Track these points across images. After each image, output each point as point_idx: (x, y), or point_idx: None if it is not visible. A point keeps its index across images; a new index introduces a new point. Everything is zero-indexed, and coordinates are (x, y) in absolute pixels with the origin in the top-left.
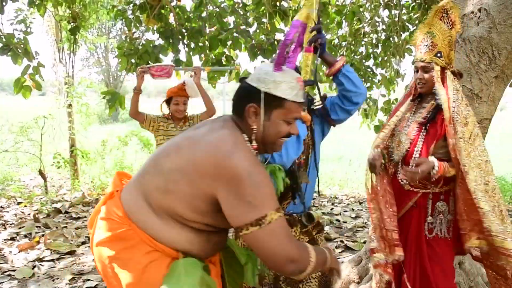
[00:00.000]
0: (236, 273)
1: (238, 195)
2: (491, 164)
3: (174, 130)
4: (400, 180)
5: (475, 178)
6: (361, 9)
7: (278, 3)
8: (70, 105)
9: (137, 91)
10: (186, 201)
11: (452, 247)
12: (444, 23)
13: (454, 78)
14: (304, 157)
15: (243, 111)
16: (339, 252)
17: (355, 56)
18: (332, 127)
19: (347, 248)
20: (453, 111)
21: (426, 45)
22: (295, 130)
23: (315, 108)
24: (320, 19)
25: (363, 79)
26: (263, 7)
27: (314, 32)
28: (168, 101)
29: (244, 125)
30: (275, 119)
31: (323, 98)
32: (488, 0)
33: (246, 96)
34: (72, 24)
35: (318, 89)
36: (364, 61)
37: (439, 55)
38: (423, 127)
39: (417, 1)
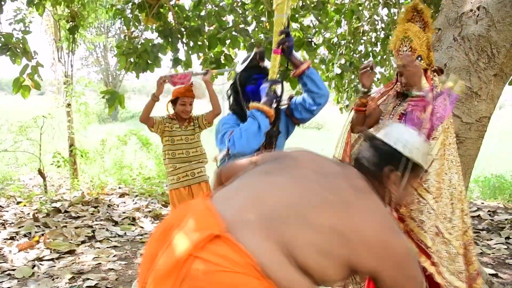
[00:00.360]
0: None
1: (405, 276)
2: (454, 163)
3: (178, 131)
4: None
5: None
6: (360, 8)
7: None
8: (69, 105)
9: (155, 98)
10: (341, 266)
11: None
12: (416, 23)
13: (434, 75)
14: (266, 150)
15: (381, 173)
16: None
17: (354, 55)
18: (296, 126)
19: None
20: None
21: (405, 51)
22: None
23: (281, 107)
24: (289, 23)
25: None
26: (262, 6)
27: (283, 35)
28: (174, 101)
29: (378, 187)
30: (408, 188)
31: (289, 98)
32: None
33: (387, 158)
34: (71, 23)
35: (282, 88)
36: (363, 59)
37: (419, 59)
38: (403, 117)
39: None
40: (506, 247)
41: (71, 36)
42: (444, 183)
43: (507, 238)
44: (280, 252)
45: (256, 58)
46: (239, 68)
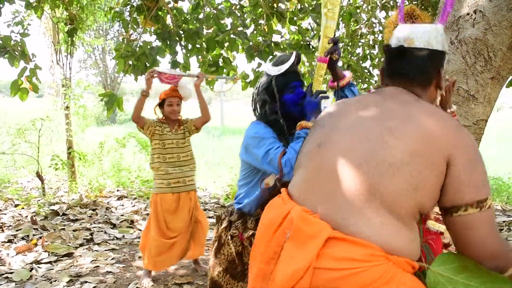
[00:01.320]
0: None
1: (471, 169)
2: None
3: (169, 134)
4: None
5: None
6: (358, 11)
7: (275, 5)
8: (67, 107)
9: (145, 93)
10: (433, 191)
11: None
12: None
13: None
14: None
15: (432, 79)
16: None
17: (352, 57)
18: None
19: None
20: None
21: None
22: None
23: None
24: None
25: (360, 80)
26: (260, 9)
27: (332, 44)
28: (161, 104)
29: (427, 95)
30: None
31: None
32: (483, 2)
33: (434, 63)
34: (69, 26)
35: (339, 97)
36: (361, 62)
37: None
38: None
39: (414, 2)
40: None
41: (69, 38)
42: None
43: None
44: (389, 217)
45: (295, 62)
46: (274, 71)
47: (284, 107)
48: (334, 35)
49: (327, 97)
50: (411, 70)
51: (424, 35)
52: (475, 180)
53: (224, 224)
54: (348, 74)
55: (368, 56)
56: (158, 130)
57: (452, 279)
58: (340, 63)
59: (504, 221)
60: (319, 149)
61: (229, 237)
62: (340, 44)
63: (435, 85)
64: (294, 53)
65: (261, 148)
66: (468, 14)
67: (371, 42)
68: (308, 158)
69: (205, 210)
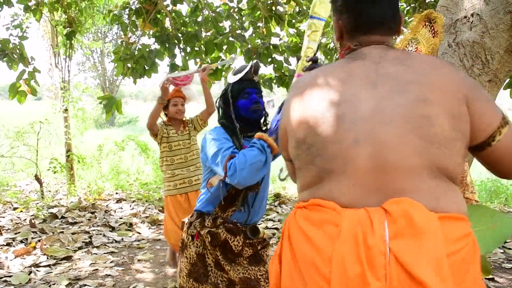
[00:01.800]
0: None
1: (483, 97)
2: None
3: (175, 136)
4: None
5: None
6: None
7: (273, 8)
8: (66, 110)
9: (162, 102)
10: (464, 139)
11: None
12: (428, 31)
13: None
14: None
15: (399, 25)
16: None
17: None
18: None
19: None
20: None
21: (411, 50)
22: None
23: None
24: (317, 50)
25: None
26: (258, 12)
27: (310, 62)
28: (166, 106)
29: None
30: None
31: None
32: (480, 5)
33: (398, 8)
34: (68, 29)
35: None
36: None
37: None
38: None
39: (411, 5)
40: (502, 251)
41: (68, 41)
42: None
43: (504, 242)
44: (453, 187)
45: (251, 71)
46: (232, 79)
47: (239, 112)
48: (314, 55)
49: None
50: (387, 16)
51: None
52: (490, 103)
53: (186, 226)
54: None
55: None
56: (165, 133)
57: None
58: None
59: None
60: (357, 148)
61: (190, 237)
62: (322, 60)
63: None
64: (251, 62)
65: (211, 148)
66: (465, 17)
67: None
68: (341, 163)
69: None
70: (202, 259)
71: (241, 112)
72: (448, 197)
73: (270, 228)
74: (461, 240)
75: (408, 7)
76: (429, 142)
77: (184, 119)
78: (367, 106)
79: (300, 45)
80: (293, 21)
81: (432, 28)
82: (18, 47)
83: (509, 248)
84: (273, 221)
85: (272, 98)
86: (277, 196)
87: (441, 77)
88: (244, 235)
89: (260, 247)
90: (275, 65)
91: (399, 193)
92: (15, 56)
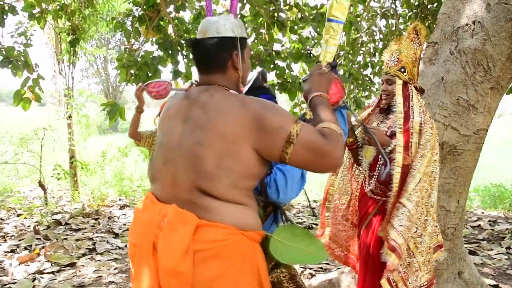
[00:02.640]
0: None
1: (267, 130)
2: (437, 180)
3: None
4: (365, 188)
5: (418, 182)
6: (358, 19)
7: (276, 14)
8: (70, 117)
9: (140, 110)
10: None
11: None
12: (414, 43)
13: (417, 93)
14: None
15: (227, 62)
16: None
17: (353, 65)
18: None
19: None
20: (421, 121)
21: (393, 60)
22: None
23: None
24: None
25: (361, 88)
26: (261, 18)
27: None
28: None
29: (227, 77)
30: (247, 59)
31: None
32: (482, 13)
33: (221, 49)
34: (71, 36)
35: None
36: (362, 70)
37: (402, 70)
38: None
39: (413, 11)
40: (507, 257)
41: (72, 48)
42: (423, 198)
43: (508, 248)
44: (232, 204)
45: (260, 78)
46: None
47: None
48: (334, 60)
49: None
50: (206, 58)
51: (214, 25)
52: (273, 134)
53: None
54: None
55: (369, 64)
56: (154, 139)
57: (286, 243)
58: (341, 71)
59: (507, 229)
60: (165, 167)
61: None
62: (341, 52)
63: (232, 67)
64: (256, 70)
65: None
66: (467, 24)
67: (371, 50)
68: (159, 174)
69: None
70: None
71: None
72: (214, 211)
73: None
74: (212, 242)
75: (410, 13)
76: (198, 174)
77: None
78: (176, 138)
79: (302, 51)
80: (295, 27)
81: (419, 39)
82: (23, 54)
83: None
84: None
85: None
86: None
87: (223, 122)
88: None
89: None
90: (278, 72)
91: (182, 204)
92: (20, 63)
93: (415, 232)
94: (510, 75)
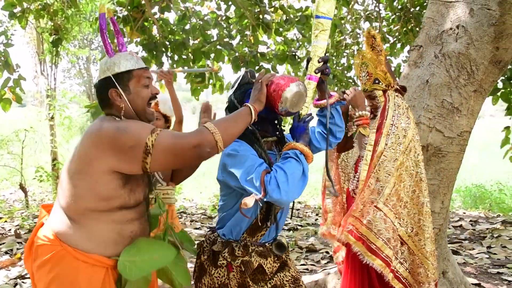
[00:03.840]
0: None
1: (122, 148)
2: (424, 181)
3: None
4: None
5: (393, 186)
6: (342, 22)
7: (261, 16)
8: (52, 118)
9: None
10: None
11: None
12: (375, 49)
13: (397, 95)
14: None
15: (109, 101)
16: (325, 263)
17: (337, 68)
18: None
19: (333, 259)
20: (391, 124)
21: (364, 76)
22: (155, 90)
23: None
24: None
25: (345, 90)
26: (246, 20)
27: (322, 63)
28: None
29: (114, 110)
30: (134, 89)
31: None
32: (465, 17)
33: (103, 90)
34: (54, 36)
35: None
36: (345, 72)
37: (377, 81)
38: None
39: (397, 14)
40: (488, 256)
41: (54, 49)
42: (413, 199)
43: (489, 247)
44: (68, 220)
45: (248, 75)
46: (231, 91)
47: None
48: (325, 55)
49: (312, 118)
50: (97, 98)
51: (99, 70)
52: (128, 149)
53: (207, 253)
54: (334, 94)
55: (353, 66)
56: None
57: (131, 260)
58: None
59: (487, 228)
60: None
61: (211, 267)
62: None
63: (114, 102)
64: (243, 70)
65: (239, 165)
66: (451, 28)
67: (355, 53)
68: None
69: (191, 221)
70: (224, 287)
71: None
72: (60, 224)
73: None
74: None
75: (394, 16)
76: (63, 192)
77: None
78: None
79: (287, 53)
80: (280, 29)
81: (378, 44)
82: (3, 54)
83: (495, 254)
84: None
85: None
86: None
87: (81, 149)
88: (273, 254)
89: (284, 255)
90: None
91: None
92: (0, 64)
93: (411, 231)
94: (492, 78)
